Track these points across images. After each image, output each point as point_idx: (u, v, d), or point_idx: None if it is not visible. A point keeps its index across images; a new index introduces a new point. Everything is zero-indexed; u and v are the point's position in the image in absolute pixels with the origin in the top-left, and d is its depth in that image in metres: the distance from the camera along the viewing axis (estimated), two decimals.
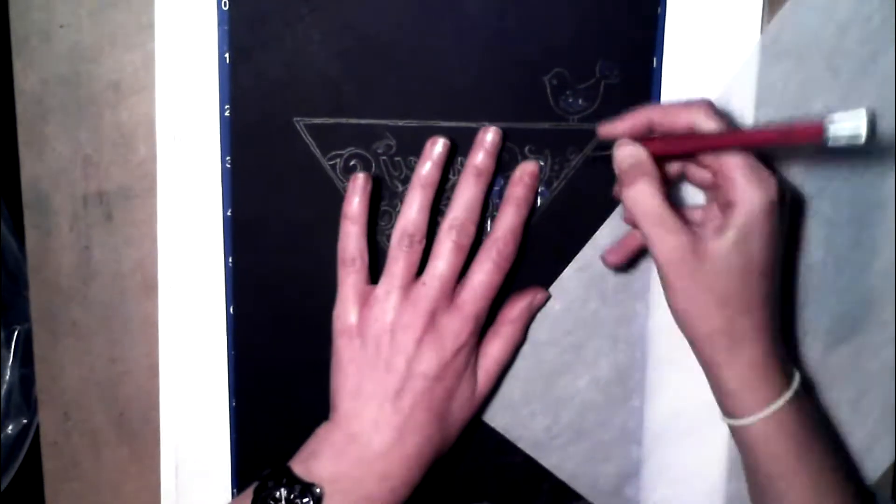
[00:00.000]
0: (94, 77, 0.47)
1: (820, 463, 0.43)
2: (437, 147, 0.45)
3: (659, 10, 0.47)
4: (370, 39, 0.46)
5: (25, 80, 0.46)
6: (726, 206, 0.41)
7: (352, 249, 0.44)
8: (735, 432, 0.44)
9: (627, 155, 0.42)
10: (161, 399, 0.49)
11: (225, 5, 0.45)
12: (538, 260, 0.48)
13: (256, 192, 0.47)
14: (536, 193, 0.48)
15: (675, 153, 0.43)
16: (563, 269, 0.49)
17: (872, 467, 0.53)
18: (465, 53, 0.47)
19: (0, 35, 0.46)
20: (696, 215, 0.45)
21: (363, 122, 0.47)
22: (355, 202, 0.45)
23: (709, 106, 0.42)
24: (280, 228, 0.47)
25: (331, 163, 0.47)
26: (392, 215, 0.48)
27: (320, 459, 0.43)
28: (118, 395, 0.50)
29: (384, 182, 0.47)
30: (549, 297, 0.48)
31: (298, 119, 0.47)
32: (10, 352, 0.53)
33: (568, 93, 0.47)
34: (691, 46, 0.47)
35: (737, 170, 0.40)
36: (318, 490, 0.41)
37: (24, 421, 0.53)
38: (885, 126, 0.50)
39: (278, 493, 0.41)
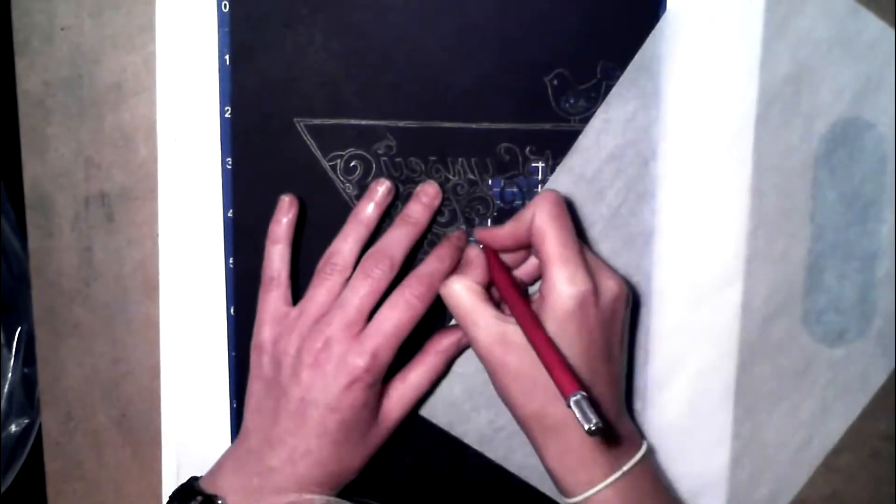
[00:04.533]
0: (95, 79, 0.47)
1: None
2: (381, 189, 0.46)
3: (660, 10, 0.47)
4: (371, 40, 0.46)
5: (27, 81, 0.47)
6: (540, 299, 0.42)
7: (273, 269, 0.46)
8: None
9: (465, 254, 0.46)
10: (163, 400, 0.50)
11: (225, 7, 0.46)
12: None
13: (257, 194, 0.47)
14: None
15: (496, 287, 0.45)
16: None
17: (828, 433, 0.53)
18: (465, 54, 0.46)
19: (2, 37, 0.46)
20: None
21: (364, 122, 0.47)
22: (282, 223, 0.46)
23: (548, 200, 0.42)
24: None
25: (331, 164, 0.47)
26: (392, 216, 0.47)
27: (224, 471, 0.44)
28: (120, 396, 0.50)
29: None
30: None
31: (299, 120, 0.47)
32: (11, 352, 0.53)
33: (569, 94, 0.47)
34: (713, 75, 0.47)
35: (550, 262, 0.41)
36: (219, 501, 0.43)
37: (27, 420, 0.53)
38: (884, 126, 0.50)
39: None
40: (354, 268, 0.45)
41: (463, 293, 0.43)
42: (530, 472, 0.50)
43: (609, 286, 0.42)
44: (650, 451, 0.46)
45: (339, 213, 0.47)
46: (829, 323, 0.51)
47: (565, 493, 0.43)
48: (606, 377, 0.43)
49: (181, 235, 0.48)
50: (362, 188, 0.47)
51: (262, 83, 0.46)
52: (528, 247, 0.45)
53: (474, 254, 0.45)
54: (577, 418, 0.36)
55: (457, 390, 0.49)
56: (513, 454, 0.50)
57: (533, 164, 0.48)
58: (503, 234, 0.44)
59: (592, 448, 0.42)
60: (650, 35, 0.47)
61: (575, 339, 0.41)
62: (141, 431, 0.50)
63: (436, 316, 0.47)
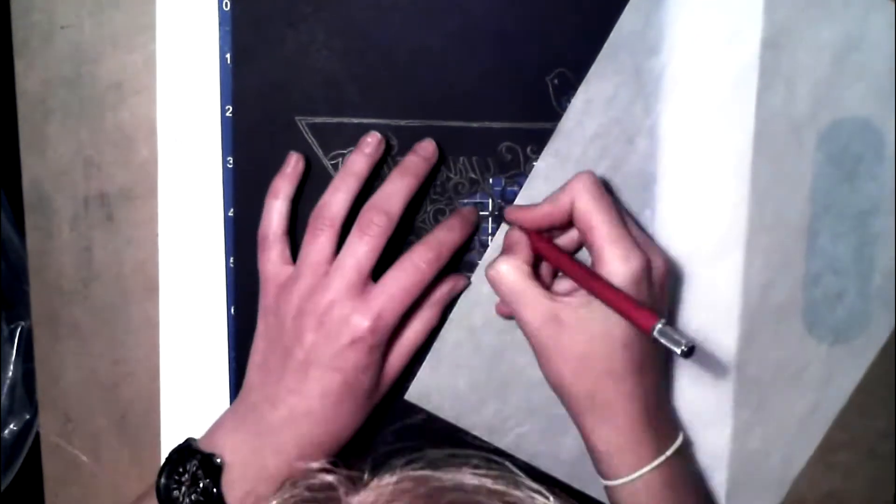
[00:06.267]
0: (95, 78, 0.47)
1: None
2: (371, 140, 0.45)
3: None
4: (373, 39, 0.46)
5: (27, 81, 0.46)
6: None
7: (268, 226, 0.45)
8: (607, 491, 0.45)
9: (506, 238, 0.45)
10: (162, 401, 0.49)
11: (226, 6, 0.46)
12: None
13: (258, 193, 0.47)
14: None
15: (546, 258, 0.45)
16: None
17: (834, 396, 0.53)
18: (467, 53, 0.47)
19: (2, 36, 0.46)
20: (567, 284, 0.45)
21: (365, 121, 0.47)
22: (285, 177, 0.45)
23: (587, 182, 0.42)
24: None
25: (332, 162, 0.47)
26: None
27: (222, 429, 0.44)
28: (119, 398, 0.50)
29: (383, 174, 0.47)
30: (468, 283, 0.48)
31: (300, 118, 0.46)
32: (13, 348, 0.53)
33: (570, 93, 0.47)
34: (692, 45, 0.47)
35: (602, 242, 0.41)
36: (217, 460, 0.42)
37: (28, 416, 0.53)
38: (883, 121, 0.50)
39: (181, 468, 0.42)
40: (347, 222, 0.44)
41: (511, 273, 0.42)
42: (541, 459, 0.50)
43: (658, 264, 0.43)
44: (687, 440, 0.46)
45: None
46: (827, 284, 0.51)
47: (609, 475, 0.44)
48: (657, 356, 0.43)
49: (181, 235, 0.48)
50: None
51: (263, 82, 0.46)
52: (561, 228, 0.45)
53: (517, 236, 0.44)
54: (666, 345, 0.36)
55: (462, 383, 0.49)
56: (523, 443, 0.50)
57: (534, 163, 0.48)
58: (539, 214, 0.44)
59: (642, 429, 0.43)
60: (624, 11, 0.47)
61: (623, 320, 0.41)
62: (140, 433, 0.50)
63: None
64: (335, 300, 0.42)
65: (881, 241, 0.52)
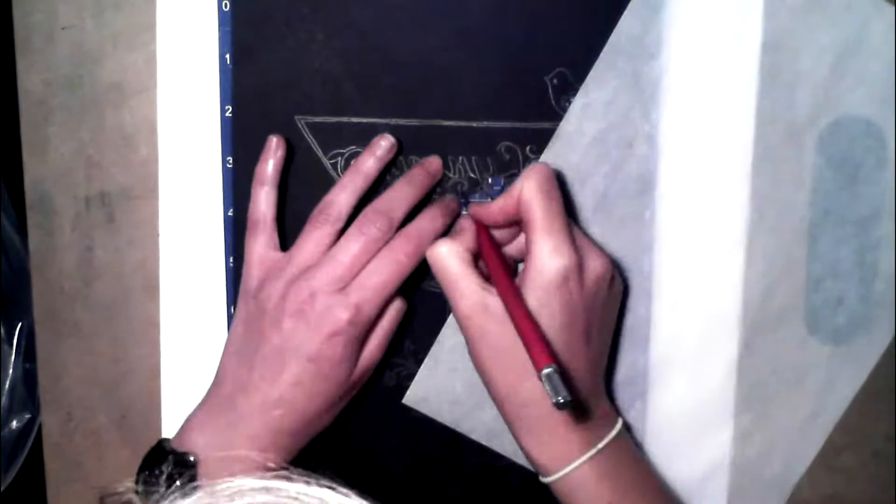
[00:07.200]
0: (96, 78, 0.47)
1: None
2: (384, 143, 0.46)
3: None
4: (372, 38, 0.46)
5: (28, 81, 0.47)
6: (524, 271, 0.42)
7: (258, 212, 0.45)
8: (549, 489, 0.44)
9: (458, 223, 0.45)
10: (163, 400, 0.49)
11: (226, 6, 0.46)
12: None
13: None
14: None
15: (481, 256, 0.44)
16: None
17: (835, 403, 0.53)
18: (467, 53, 0.47)
19: (3, 36, 0.47)
20: None
21: (364, 120, 0.47)
22: (269, 164, 0.45)
23: (538, 172, 0.42)
24: (281, 228, 0.47)
25: (332, 161, 0.47)
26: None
27: (194, 425, 0.44)
28: (120, 396, 0.50)
29: (386, 181, 0.47)
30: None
31: (300, 118, 0.47)
32: (13, 347, 0.53)
33: (570, 93, 0.47)
34: (691, 49, 0.47)
35: (535, 233, 0.41)
36: (191, 458, 0.42)
37: (28, 416, 0.53)
38: (884, 125, 0.50)
39: (158, 470, 0.42)
40: (348, 220, 0.44)
41: (449, 257, 0.42)
42: None
43: (595, 265, 0.42)
44: (625, 430, 0.46)
45: None
46: (828, 289, 0.51)
47: (542, 472, 0.43)
48: (584, 356, 0.43)
49: (182, 235, 0.48)
50: None
51: (262, 82, 0.46)
52: (518, 223, 0.44)
53: (467, 223, 0.45)
54: (546, 391, 0.36)
55: (458, 388, 0.49)
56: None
57: (533, 164, 0.48)
58: (494, 208, 0.44)
59: (566, 425, 0.42)
60: (623, 15, 0.46)
61: (556, 314, 0.41)
62: (141, 432, 0.50)
63: (420, 277, 0.47)
64: (319, 290, 0.42)
65: (882, 245, 0.51)
